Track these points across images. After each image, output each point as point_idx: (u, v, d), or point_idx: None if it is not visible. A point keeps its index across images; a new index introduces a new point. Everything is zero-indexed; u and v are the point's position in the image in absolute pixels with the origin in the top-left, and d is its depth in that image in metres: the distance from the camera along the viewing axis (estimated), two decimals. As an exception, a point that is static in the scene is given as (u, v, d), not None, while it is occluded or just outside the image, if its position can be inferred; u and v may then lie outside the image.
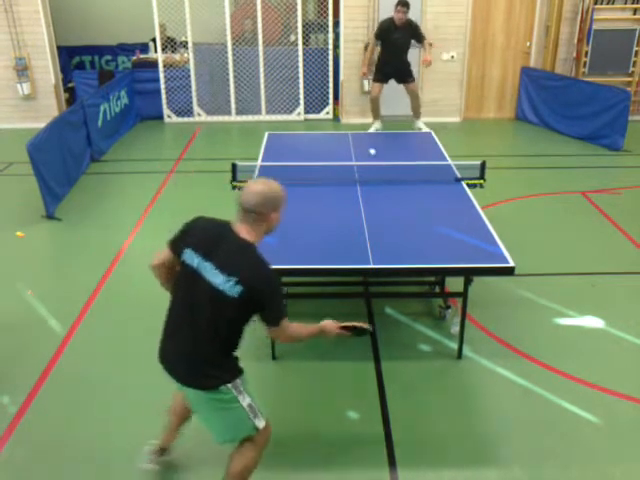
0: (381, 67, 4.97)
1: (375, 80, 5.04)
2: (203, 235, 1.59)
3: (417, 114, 5.27)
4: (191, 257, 1.57)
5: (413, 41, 4.91)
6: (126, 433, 2.13)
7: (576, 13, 5.92)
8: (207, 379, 1.57)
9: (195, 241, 1.58)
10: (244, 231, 1.58)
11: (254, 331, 2.66)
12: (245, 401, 1.61)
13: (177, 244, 1.63)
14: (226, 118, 6.33)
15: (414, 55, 5.36)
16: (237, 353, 1.66)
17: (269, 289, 1.55)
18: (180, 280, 1.62)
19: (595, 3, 5.83)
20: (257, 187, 1.58)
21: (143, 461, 1.93)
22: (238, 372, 1.63)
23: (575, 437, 2.10)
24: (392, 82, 5.04)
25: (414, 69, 5.13)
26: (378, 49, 5.03)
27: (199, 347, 1.57)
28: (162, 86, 6.21)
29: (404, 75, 4.96)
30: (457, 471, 1.96)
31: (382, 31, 4.83)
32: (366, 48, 5.32)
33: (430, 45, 4.97)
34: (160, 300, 2.99)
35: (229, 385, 1.58)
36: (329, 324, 1.72)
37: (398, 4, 4.75)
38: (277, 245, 2.40)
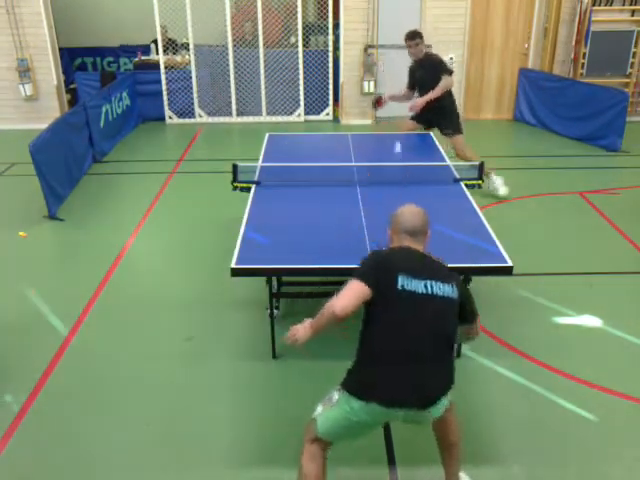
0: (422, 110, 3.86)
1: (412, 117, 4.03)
2: (405, 260, 1.63)
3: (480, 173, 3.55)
4: (407, 281, 1.56)
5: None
6: (127, 433, 2.15)
7: (574, 15, 5.95)
8: (452, 382, 1.61)
9: (402, 267, 1.59)
10: (421, 249, 1.70)
11: (254, 331, 2.70)
12: None
13: (378, 277, 1.57)
14: (227, 119, 6.36)
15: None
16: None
17: (467, 290, 1.75)
18: (397, 309, 1.55)
19: (593, 5, 5.87)
20: (414, 210, 1.73)
21: None
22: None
23: (573, 436, 2.11)
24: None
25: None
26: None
27: (443, 359, 1.59)
28: (163, 87, 6.25)
29: (439, 123, 3.95)
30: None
31: (410, 73, 3.97)
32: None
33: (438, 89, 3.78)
34: (161, 300, 3.03)
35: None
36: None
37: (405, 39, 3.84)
38: (277, 245, 2.43)
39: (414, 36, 3.81)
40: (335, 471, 1.98)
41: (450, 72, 3.86)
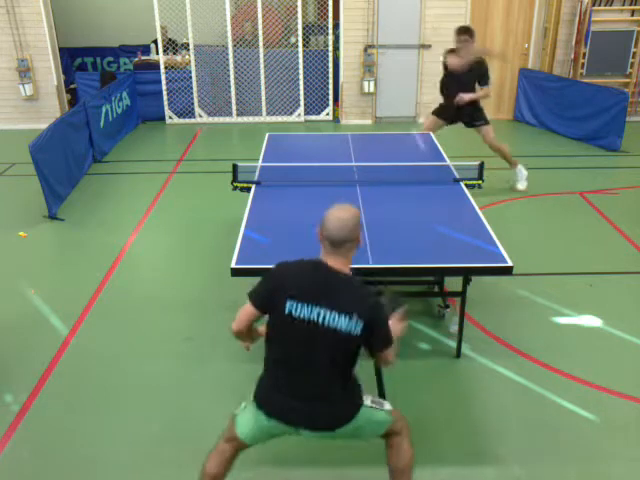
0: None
1: (432, 112, 4.17)
2: (301, 282, 1.50)
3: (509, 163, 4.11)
4: (296, 308, 1.47)
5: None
6: (127, 433, 2.15)
7: (574, 15, 5.95)
8: (342, 418, 1.53)
9: (296, 291, 1.48)
10: (339, 264, 1.52)
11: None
12: (367, 401, 1.59)
13: (268, 299, 1.52)
14: (227, 119, 6.36)
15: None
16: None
17: (382, 315, 1.53)
18: (283, 333, 1.51)
19: (593, 5, 5.87)
20: (341, 215, 1.52)
21: None
22: (359, 390, 1.59)
23: (573, 435, 2.11)
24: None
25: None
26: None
27: (331, 392, 1.52)
28: (163, 87, 6.25)
29: (469, 116, 4.07)
30: (456, 469, 1.98)
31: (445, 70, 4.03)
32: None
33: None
34: (161, 300, 3.03)
35: (361, 408, 1.55)
36: (395, 324, 1.64)
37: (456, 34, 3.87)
38: (277, 245, 2.43)
39: (465, 31, 3.83)
40: (335, 471, 1.98)
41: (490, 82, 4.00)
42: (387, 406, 1.64)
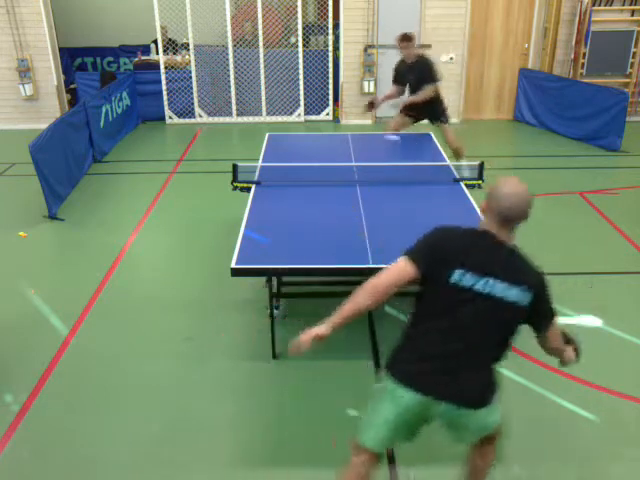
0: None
1: (400, 111, 4.20)
2: (471, 251, 1.43)
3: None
4: (464, 277, 1.40)
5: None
6: (127, 433, 2.15)
7: (574, 15, 5.95)
8: (488, 396, 1.48)
9: (465, 260, 1.41)
10: (504, 236, 1.45)
11: (254, 331, 2.70)
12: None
13: (430, 262, 1.43)
14: (227, 119, 6.36)
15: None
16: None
17: (549, 288, 1.48)
18: (443, 302, 1.43)
19: (593, 5, 5.87)
20: (520, 190, 1.42)
21: None
22: (497, 378, 1.53)
23: (573, 435, 2.12)
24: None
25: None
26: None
27: (485, 365, 1.47)
28: (163, 87, 6.25)
29: (430, 114, 4.15)
30: (456, 469, 1.97)
31: (396, 72, 4.09)
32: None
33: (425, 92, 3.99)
34: (161, 300, 3.03)
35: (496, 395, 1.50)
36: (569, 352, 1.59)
37: (398, 41, 3.96)
38: (277, 245, 2.43)
39: (403, 39, 3.97)
40: (335, 471, 1.98)
41: (437, 80, 4.03)
42: (499, 413, 1.57)
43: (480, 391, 1.48)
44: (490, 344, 1.46)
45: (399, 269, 1.44)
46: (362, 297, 1.45)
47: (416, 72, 3.99)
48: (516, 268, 1.44)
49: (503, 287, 1.41)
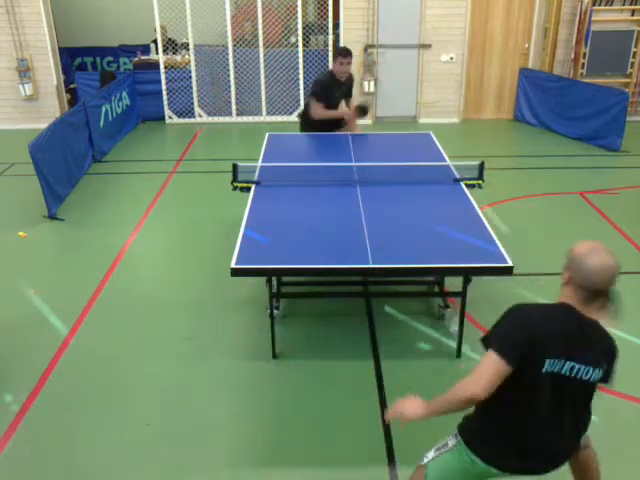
0: (317, 129, 3.72)
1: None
2: (555, 337, 1.31)
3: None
4: (555, 364, 1.32)
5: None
6: (127, 433, 2.15)
7: (574, 14, 5.95)
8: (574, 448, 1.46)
9: (556, 346, 1.31)
10: (592, 312, 1.36)
11: (254, 331, 2.70)
12: None
13: (525, 354, 1.30)
14: (227, 119, 6.36)
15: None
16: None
17: (617, 357, 1.45)
18: (533, 389, 1.34)
19: (593, 4, 5.86)
20: (609, 261, 1.34)
21: None
22: None
23: (572, 434, 2.12)
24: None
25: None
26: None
27: (579, 429, 1.45)
28: (163, 87, 6.24)
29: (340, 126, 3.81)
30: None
31: (324, 89, 3.61)
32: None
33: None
34: (161, 300, 3.02)
35: None
36: None
37: (340, 54, 3.53)
38: (277, 245, 2.43)
39: (350, 53, 3.58)
40: (335, 471, 1.98)
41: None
42: None
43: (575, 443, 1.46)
44: (577, 419, 1.42)
45: (497, 369, 1.28)
46: (450, 407, 1.36)
47: (348, 86, 3.75)
48: (600, 348, 1.39)
49: (587, 371, 1.35)
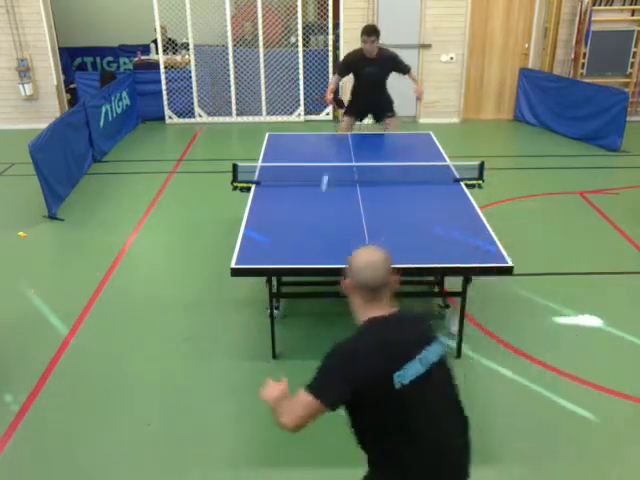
0: (355, 103, 4.03)
1: (346, 113, 4.11)
2: (386, 348, 1.28)
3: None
4: (403, 373, 1.26)
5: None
6: (127, 433, 2.15)
7: (574, 14, 5.95)
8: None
9: (393, 359, 1.27)
10: (387, 308, 1.36)
11: (254, 331, 2.70)
12: None
13: (347, 389, 1.25)
14: (227, 119, 6.36)
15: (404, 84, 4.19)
16: None
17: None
18: (397, 408, 1.26)
19: (593, 4, 5.86)
20: (373, 259, 1.36)
21: None
22: None
23: (574, 436, 2.12)
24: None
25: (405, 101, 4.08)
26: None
27: (465, 428, 1.39)
28: (163, 87, 6.24)
29: (383, 111, 4.05)
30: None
31: (348, 66, 3.88)
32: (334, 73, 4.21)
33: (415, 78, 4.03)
34: (161, 300, 3.02)
35: None
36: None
37: (363, 33, 3.69)
38: (277, 245, 2.43)
39: (378, 32, 3.72)
40: (335, 471, 1.98)
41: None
42: None
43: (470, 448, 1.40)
44: (457, 405, 1.37)
45: (312, 410, 1.26)
46: (281, 420, 1.29)
47: (387, 65, 3.87)
48: (421, 327, 1.39)
49: (429, 351, 1.31)
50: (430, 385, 1.30)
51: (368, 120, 4.27)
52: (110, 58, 7.64)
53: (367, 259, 1.37)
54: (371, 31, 3.69)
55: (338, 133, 4.13)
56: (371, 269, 1.35)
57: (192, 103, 6.30)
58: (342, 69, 3.98)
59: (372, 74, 3.86)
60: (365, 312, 1.37)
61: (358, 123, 4.24)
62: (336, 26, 6.14)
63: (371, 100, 3.99)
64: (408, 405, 1.27)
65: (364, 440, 1.35)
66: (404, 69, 3.95)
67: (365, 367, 1.26)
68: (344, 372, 1.27)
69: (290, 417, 1.27)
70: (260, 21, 5.98)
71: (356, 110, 4.10)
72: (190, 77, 6.19)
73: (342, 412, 2.26)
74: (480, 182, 3.07)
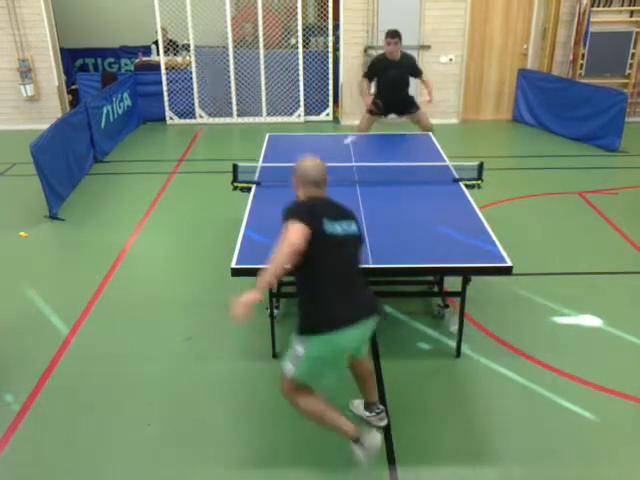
0: (379, 102, 4.30)
1: (367, 111, 4.35)
2: (323, 209, 1.86)
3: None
4: (330, 225, 1.81)
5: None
6: (127, 433, 2.15)
7: (573, 15, 5.97)
8: (376, 304, 1.89)
9: (325, 213, 1.84)
10: (324, 196, 1.96)
11: (254, 331, 2.71)
12: None
13: (312, 220, 1.79)
14: (227, 120, 6.37)
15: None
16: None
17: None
18: (325, 248, 1.80)
19: (592, 5, 5.88)
20: (317, 162, 1.96)
21: (376, 420, 2.09)
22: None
23: (573, 435, 2.12)
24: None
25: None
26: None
27: (363, 283, 1.89)
28: (164, 88, 6.26)
29: (405, 106, 4.29)
30: (456, 469, 1.98)
31: (374, 69, 4.19)
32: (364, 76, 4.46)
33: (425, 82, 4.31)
34: (161, 300, 3.03)
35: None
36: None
37: (387, 36, 4.03)
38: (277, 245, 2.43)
39: (400, 35, 4.07)
40: (335, 471, 1.98)
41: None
42: None
43: (373, 302, 1.89)
44: (359, 269, 1.92)
45: (301, 229, 1.74)
46: (282, 259, 1.71)
47: (407, 66, 4.20)
48: (346, 210, 1.93)
49: (349, 224, 1.87)
50: (344, 246, 1.83)
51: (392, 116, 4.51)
52: (111, 59, 7.67)
53: (311, 162, 1.97)
54: (394, 34, 4.04)
55: (358, 133, 4.29)
56: (314, 169, 1.95)
57: (193, 104, 6.32)
58: (369, 72, 4.29)
59: (395, 75, 4.18)
60: (312, 195, 1.93)
61: (387, 121, 4.53)
62: (336, 27, 6.16)
63: (394, 99, 4.29)
64: (330, 248, 1.80)
65: (299, 284, 1.86)
66: (418, 72, 4.29)
67: (314, 210, 1.83)
68: (307, 210, 1.82)
69: (292, 237, 1.72)
70: (260, 22, 6.00)
71: (379, 109, 4.36)
72: (191, 78, 6.21)
73: (341, 413, 2.25)
74: (479, 182, 3.08)
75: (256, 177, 3.07)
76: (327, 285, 1.79)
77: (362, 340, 1.89)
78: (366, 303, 1.85)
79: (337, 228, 1.82)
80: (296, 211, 1.81)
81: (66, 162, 4.36)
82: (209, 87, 6.25)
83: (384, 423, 2.11)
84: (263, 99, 6.28)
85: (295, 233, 1.72)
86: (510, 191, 4.35)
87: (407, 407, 2.27)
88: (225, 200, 3.70)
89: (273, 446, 2.08)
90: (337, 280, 1.81)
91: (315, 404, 1.86)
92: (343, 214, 1.89)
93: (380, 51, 4.41)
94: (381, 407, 2.13)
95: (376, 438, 1.86)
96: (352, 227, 1.87)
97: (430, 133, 4.06)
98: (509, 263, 2.25)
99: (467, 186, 3.01)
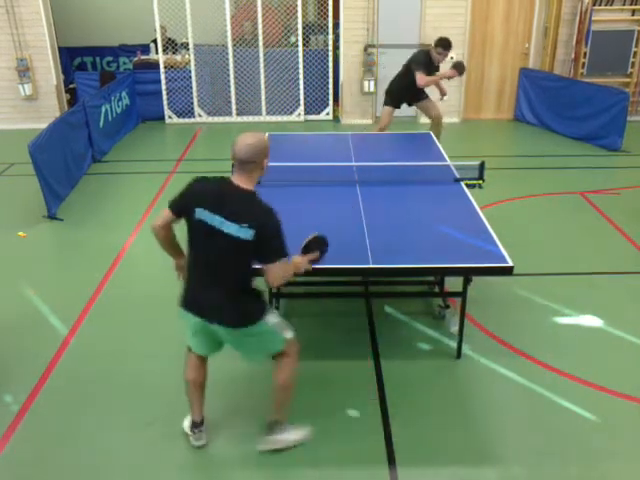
0: (398, 95, 4.54)
1: (387, 104, 4.57)
2: (207, 194, 1.78)
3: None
4: (203, 215, 1.75)
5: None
6: (127, 433, 2.15)
7: (575, 14, 5.95)
8: (243, 318, 1.81)
9: (202, 201, 1.76)
10: (242, 182, 1.77)
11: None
12: (270, 321, 1.87)
13: (181, 207, 1.81)
14: (227, 119, 6.36)
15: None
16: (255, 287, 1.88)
17: (272, 225, 1.75)
18: (196, 236, 1.80)
19: (594, 4, 5.86)
20: (248, 140, 1.75)
21: (192, 440, 2.04)
22: (262, 307, 1.88)
23: (574, 436, 2.12)
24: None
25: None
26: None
27: (229, 292, 1.80)
28: (163, 87, 6.24)
29: (416, 97, 4.55)
30: (456, 469, 1.98)
31: (426, 65, 4.37)
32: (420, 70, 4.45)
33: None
34: (160, 300, 3.02)
35: (261, 322, 1.83)
36: (301, 259, 1.91)
37: (446, 47, 4.22)
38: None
39: (450, 46, 4.29)
40: (335, 471, 1.98)
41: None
42: (287, 335, 1.92)
43: (235, 314, 1.81)
44: (230, 272, 1.80)
45: (165, 216, 1.84)
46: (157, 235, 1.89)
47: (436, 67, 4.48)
48: (242, 209, 1.74)
49: (228, 224, 1.72)
50: (213, 238, 1.75)
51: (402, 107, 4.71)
52: (110, 58, 7.64)
53: (241, 138, 1.77)
54: (449, 46, 4.22)
55: (380, 132, 4.53)
56: (238, 145, 1.75)
57: (192, 103, 6.30)
58: (424, 68, 4.38)
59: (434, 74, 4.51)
60: (231, 176, 1.81)
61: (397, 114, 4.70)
62: (336, 26, 6.14)
63: (411, 92, 4.53)
64: (198, 236, 1.80)
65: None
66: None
67: (196, 195, 1.79)
68: (187, 194, 1.83)
69: (157, 221, 1.87)
70: (260, 21, 5.98)
71: (397, 101, 4.60)
72: (190, 77, 6.19)
73: (341, 413, 2.25)
74: (480, 182, 3.06)
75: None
76: (191, 267, 1.86)
77: (212, 339, 1.90)
78: (214, 306, 1.79)
79: (212, 219, 1.73)
80: (180, 192, 1.83)
81: (64, 162, 4.35)
82: (208, 86, 6.23)
83: (200, 443, 2.02)
84: (263, 98, 6.26)
85: (158, 219, 1.84)
86: (511, 191, 4.34)
87: (407, 407, 2.26)
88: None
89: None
90: (198, 267, 1.83)
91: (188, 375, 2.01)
92: (229, 212, 1.71)
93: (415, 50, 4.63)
94: (203, 428, 2.03)
95: (295, 435, 1.98)
96: (230, 227, 1.70)
97: (430, 132, 4.05)
98: (510, 263, 2.24)
99: (468, 186, 3.00)
